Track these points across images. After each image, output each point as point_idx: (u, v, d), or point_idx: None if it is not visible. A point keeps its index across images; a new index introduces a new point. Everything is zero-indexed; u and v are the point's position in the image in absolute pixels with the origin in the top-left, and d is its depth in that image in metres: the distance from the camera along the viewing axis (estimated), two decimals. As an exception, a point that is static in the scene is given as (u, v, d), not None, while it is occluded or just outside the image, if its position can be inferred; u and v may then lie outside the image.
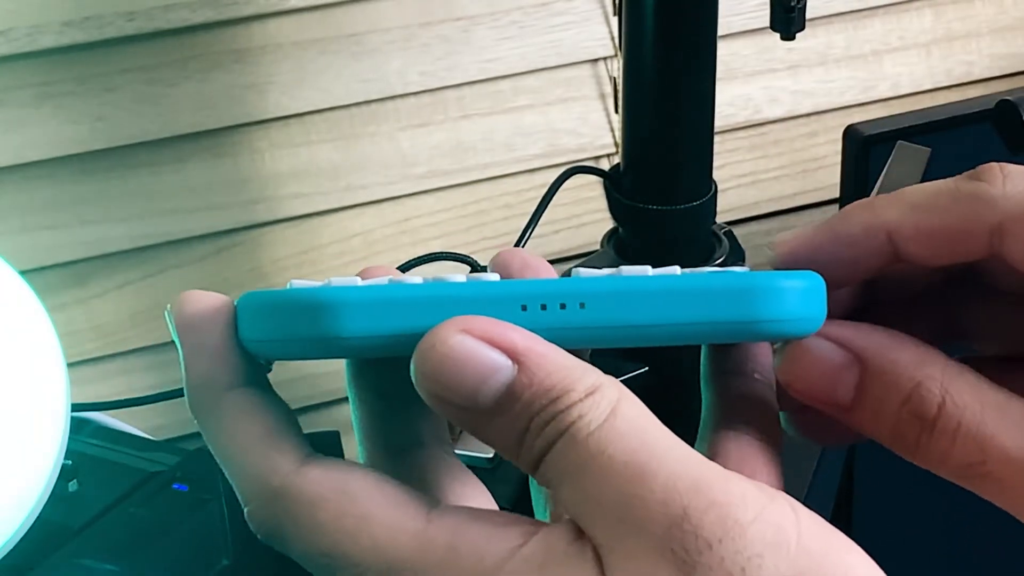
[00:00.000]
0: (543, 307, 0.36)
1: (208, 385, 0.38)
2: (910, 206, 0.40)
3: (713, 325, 0.37)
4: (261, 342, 0.37)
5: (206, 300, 0.38)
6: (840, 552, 0.34)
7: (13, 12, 0.85)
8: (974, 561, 0.99)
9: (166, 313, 0.38)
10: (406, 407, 0.40)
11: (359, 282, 0.38)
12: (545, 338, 0.36)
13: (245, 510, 0.37)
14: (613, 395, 0.35)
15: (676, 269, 0.39)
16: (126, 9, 0.87)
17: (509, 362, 0.35)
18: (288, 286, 0.38)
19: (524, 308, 0.36)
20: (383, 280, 0.38)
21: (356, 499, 0.36)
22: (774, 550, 0.33)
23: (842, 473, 0.87)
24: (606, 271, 0.39)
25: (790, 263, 0.40)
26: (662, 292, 0.37)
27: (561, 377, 0.35)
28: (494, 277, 0.38)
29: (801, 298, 0.37)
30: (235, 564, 0.64)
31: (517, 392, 0.35)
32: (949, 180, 0.40)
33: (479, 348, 0.35)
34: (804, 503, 0.35)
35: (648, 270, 0.38)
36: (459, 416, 0.36)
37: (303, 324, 0.36)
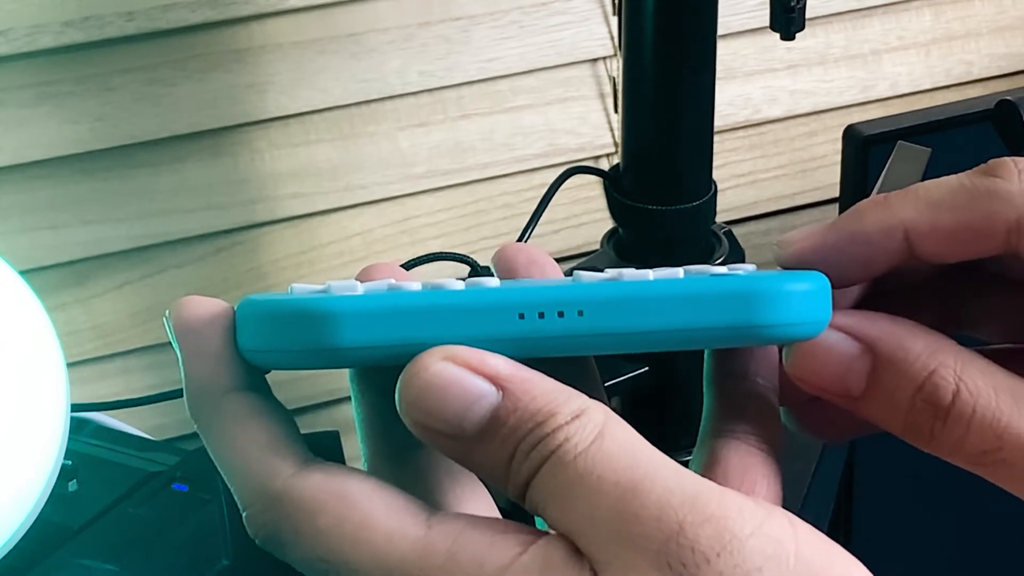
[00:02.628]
0: (541, 315, 0.36)
1: (207, 390, 0.38)
2: (927, 204, 0.39)
3: (716, 331, 0.36)
4: (260, 352, 0.37)
5: (204, 306, 0.38)
6: (839, 565, 0.34)
7: (13, 12, 0.85)
8: (975, 563, 0.99)
9: (164, 319, 0.38)
10: None
11: (358, 287, 0.37)
12: (544, 346, 0.36)
13: (244, 515, 0.37)
14: (599, 418, 0.35)
15: (679, 272, 0.38)
16: (126, 9, 0.87)
17: (493, 388, 0.35)
18: (289, 290, 0.37)
19: (522, 316, 0.36)
20: (382, 286, 0.37)
21: (356, 505, 0.36)
22: (773, 564, 0.33)
23: (842, 475, 0.87)
24: (607, 274, 0.38)
25: (799, 263, 0.40)
26: (663, 298, 0.36)
27: (546, 401, 0.35)
28: (493, 282, 0.38)
29: (806, 301, 0.37)
30: (235, 564, 0.64)
31: (502, 418, 0.35)
32: (962, 176, 0.39)
33: (463, 375, 0.35)
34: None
35: (649, 274, 0.37)
36: (445, 444, 0.36)
37: (301, 335, 0.36)
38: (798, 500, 0.71)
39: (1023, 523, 0.94)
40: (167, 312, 0.38)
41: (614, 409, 0.75)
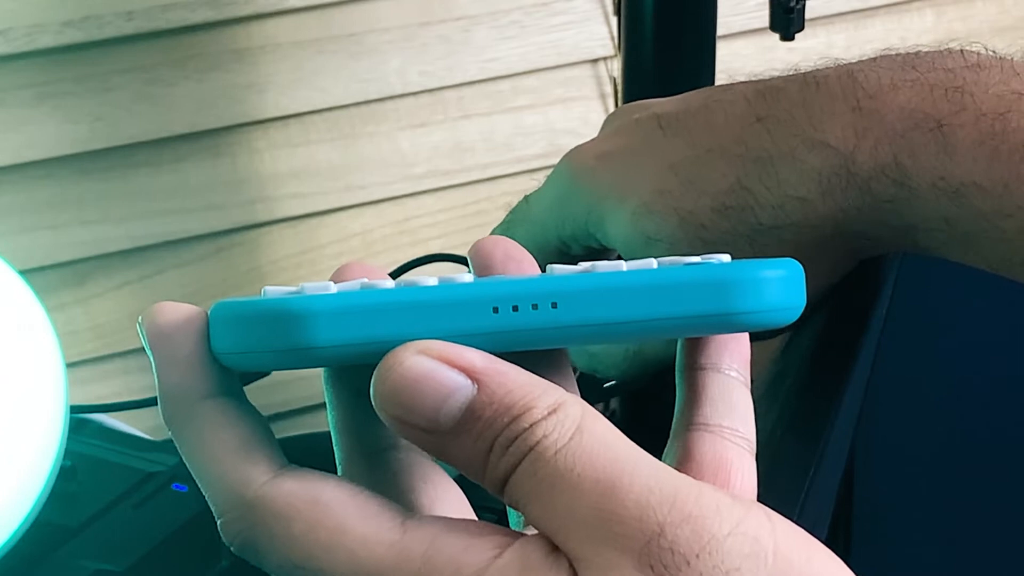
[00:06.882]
0: (515, 308, 0.36)
1: (181, 396, 0.37)
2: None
3: (691, 319, 0.36)
4: (233, 354, 0.37)
5: (177, 311, 0.38)
6: (818, 561, 0.34)
7: (13, 12, 0.85)
8: (976, 565, 0.99)
9: (138, 325, 0.38)
10: None
11: (332, 288, 0.37)
12: (518, 339, 0.36)
13: (219, 522, 0.37)
14: (577, 412, 0.35)
15: (652, 263, 0.38)
16: (125, 9, 0.87)
17: (468, 381, 0.35)
18: (262, 293, 0.37)
19: (496, 310, 0.36)
20: (355, 285, 0.37)
21: (330, 510, 0.36)
22: (752, 562, 0.33)
23: (842, 476, 0.87)
24: (580, 267, 0.38)
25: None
26: (637, 288, 0.36)
27: (522, 395, 0.35)
28: (467, 278, 0.38)
29: (781, 287, 0.37)
30: (235, 564, 0.64)
31: (478, 411, 0.35)
32: None
33: (437, 368, 0.35)
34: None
35: (622, 265, 0.37)
36: (422, 439, 0.36)
37: (273, 336, 0.36)
38: (797, 502, 0.71)
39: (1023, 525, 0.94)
40: (140, 318, 0.38)
41: (614, 409, 0.75)
